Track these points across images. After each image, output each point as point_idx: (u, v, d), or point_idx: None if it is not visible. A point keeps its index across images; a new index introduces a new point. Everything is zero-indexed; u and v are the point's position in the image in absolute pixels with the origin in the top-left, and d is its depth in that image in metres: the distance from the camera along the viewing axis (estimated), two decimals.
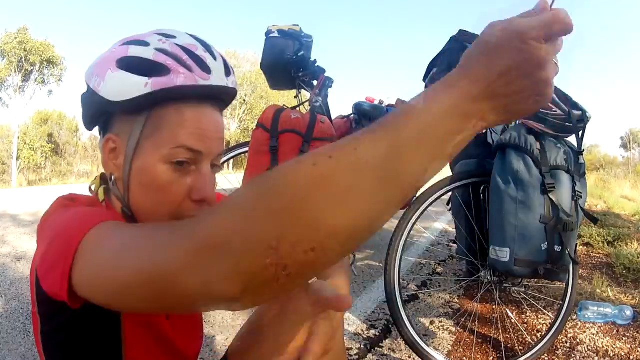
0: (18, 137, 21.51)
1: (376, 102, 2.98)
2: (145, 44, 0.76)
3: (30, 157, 21.45)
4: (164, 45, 0.75)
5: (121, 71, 0.73)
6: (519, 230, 1.57)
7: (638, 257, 3.28)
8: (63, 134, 23.93)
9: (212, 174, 0.81)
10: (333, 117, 2.92)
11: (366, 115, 2.80)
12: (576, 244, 1.67)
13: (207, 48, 0.80)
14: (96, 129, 0.85)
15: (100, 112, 0.79)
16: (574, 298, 1.87)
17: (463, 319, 2.32)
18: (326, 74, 2.58)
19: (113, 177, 0.79)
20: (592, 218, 1.73)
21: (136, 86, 0.73)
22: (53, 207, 0.77)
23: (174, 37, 0.78)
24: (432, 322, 2.32)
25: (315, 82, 2.57)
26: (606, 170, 21.07)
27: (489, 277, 1.83)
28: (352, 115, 2.99)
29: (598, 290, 2.70)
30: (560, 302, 1.89)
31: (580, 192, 1.64)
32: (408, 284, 2.90)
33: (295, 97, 2.65)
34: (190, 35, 0.81)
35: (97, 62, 0.77)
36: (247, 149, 2.36)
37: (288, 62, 2.48)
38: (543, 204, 1.57)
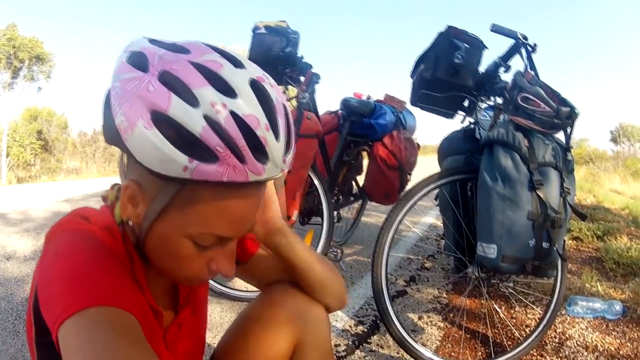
0: (7, 134, 21.32)
1: (364, 98, 2.96)
2: (194, 100, 0.57)
3: (20, 154, 21.23)
4: (217, 117, 0.57)
5: (157, 132, 0.57)
6: (507, 227, 1.56)
7: (627, 252, 3.29)
8: (52, 130, 23.66)
9: (234, 247, 0.73)
10: (321, 113, 2.91)
11: (354, 111, 2.78)
12: (564, 241, 1.66)
13: (273, 117, 0.62)
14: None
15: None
16: (563, 294, 1.87)
17: (451, 315, 2.32)
18: (313, 70, 2.55)
19: (129, 221, 0.69)
20: (581, 215, 1.72)
21: (173, 165, 0.57)
22: (67, 220, 0.72)
23: (234, 94, 0.59)
24: (420, 318, 2.31)
25: (302, 78, 2.55)
26: (596, 164, 21.17)
27: (476, 273, 1.82)
28: (340, 111, 2.98)
29: (587, 285, 2.71)
30: (549, 298, 1.89)
31: (569, 189, 1.63)
32: (396, 280, 2.89)
33: (282, 93, 2.62)
34: (255, 89, 0.61)
35: (126, 88, 0.59)
36: None
37: (275, 59, 2.45)
38: (531, 201, 1.56)
